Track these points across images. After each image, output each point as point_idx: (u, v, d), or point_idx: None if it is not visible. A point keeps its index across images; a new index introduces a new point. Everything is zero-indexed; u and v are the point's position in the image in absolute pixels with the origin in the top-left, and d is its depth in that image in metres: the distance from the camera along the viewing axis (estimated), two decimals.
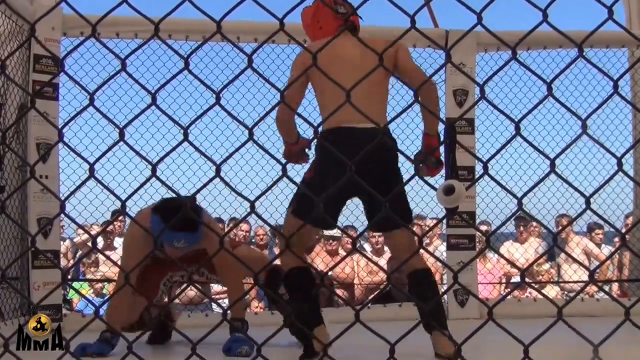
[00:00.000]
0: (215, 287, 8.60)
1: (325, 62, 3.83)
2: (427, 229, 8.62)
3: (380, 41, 4.43)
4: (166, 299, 5.46)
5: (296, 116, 4.83)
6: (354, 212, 7.28)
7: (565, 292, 9.03)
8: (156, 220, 4.71)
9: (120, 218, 8.35)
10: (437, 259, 6.11)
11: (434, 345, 4.51)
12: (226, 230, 7.09)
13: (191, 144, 1.67)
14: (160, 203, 4.90)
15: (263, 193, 1.73)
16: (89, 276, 9.11)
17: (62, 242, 8.14)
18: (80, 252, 9.59)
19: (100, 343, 4.60)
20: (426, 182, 1.60)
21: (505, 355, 1.52)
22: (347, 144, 4.21)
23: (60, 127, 5.85)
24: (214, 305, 8.21)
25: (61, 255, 7.86)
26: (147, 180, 1.78)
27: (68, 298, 8.33)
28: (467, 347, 1.58)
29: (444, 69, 6.71)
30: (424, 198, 7.12)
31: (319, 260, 8.83)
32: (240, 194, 1.79)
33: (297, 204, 4.74)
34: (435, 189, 5.59)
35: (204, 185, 1.80)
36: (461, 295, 6.76)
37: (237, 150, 1.79)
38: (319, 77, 4.50)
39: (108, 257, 6.30)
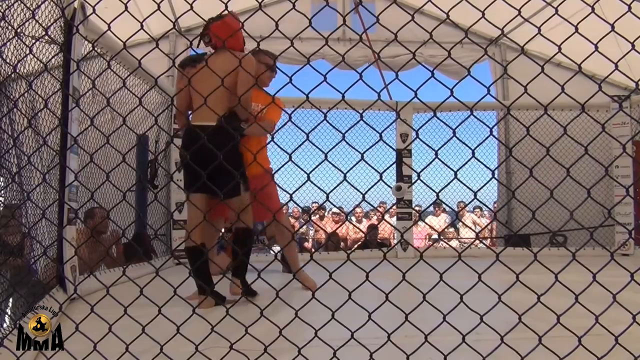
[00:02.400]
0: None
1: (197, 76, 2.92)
2: (387, 209, 8.62)
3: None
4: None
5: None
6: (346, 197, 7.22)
7: (462, 244, 9.00)
8: None
9: None
10: (392, 225, 6.06)
11: (230, 286, 3.62)
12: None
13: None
14: None
15: (372, 186, 1.67)
16: None
17: None
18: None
19: None
20: (386, 184, 1.56)
21: (428, 279, 1.48)
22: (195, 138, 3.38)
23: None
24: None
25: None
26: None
27: None
28: (407, 275, 1.55)
29: (395, 122, 6.72)
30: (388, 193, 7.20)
31: (329, 226, 8.87)
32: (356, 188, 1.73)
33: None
34: (391, 187, 5.53)
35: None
36: (404, 245, 6.72)
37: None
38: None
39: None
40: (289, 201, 1.61)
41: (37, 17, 2.61)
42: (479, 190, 1.58)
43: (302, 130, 1.71)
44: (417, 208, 7.64)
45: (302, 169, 1.71)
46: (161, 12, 1.60)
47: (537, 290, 1.51)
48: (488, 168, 1.61)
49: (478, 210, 9.59)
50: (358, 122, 1.63)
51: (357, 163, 1.60)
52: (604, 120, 1.74)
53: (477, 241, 7.17)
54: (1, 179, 2.54)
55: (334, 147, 1.64)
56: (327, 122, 1.68)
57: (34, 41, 2.71)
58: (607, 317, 1.54)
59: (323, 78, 1.58)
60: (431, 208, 9.29)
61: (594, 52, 1.46)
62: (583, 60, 1.53)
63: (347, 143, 1.63)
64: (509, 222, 7.97)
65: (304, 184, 1.62)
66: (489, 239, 8.80)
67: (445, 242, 8.24)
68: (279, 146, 1.80)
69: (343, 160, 6.52)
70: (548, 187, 1.59)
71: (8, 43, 2.48)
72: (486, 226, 8.94)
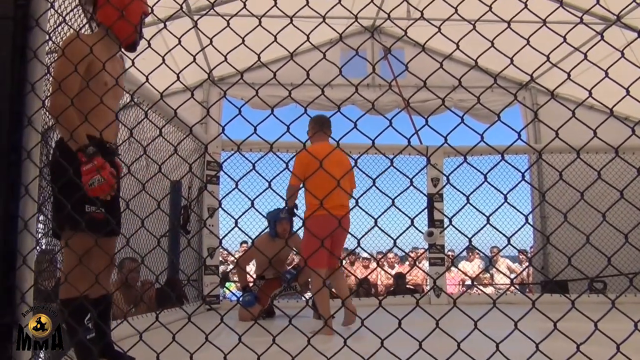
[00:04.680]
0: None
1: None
2: (419, 254, 8.52)
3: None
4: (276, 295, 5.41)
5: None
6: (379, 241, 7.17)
7: (497, 290, 8.77)
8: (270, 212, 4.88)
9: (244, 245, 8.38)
10: (424, 271, 5.99)
11: None
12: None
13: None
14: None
15: (404, 232, 1.69)
16: (234, 278, 9.07)
17: (220, 261, 8.16)
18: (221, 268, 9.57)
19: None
20: (416, 229, 1.55)
21: (463, 327, 1.45)
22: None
23: (219, 199, 5.93)
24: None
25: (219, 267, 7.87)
26: (263, 231, 1.78)
27: (223, 291, 8.31)
28: (441, 322, 1.52)
29: (426, 167, 6.71)
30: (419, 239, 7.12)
31: (359, 271, 8.78)
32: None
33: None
34: (422, 233, 5.48)
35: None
36: (437, 291, 6.60)
37: None
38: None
39: (245, 271, 6.26)
40: (393, 247, 1.60)
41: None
42: (512, 235, 1.56)
43: (333, 177, 1.72)
44: (449, 253, 7.53)
45: (332, 215, 1.71)
46: (197, 64, 1.66)
47: (576, 339, 1.46)
48: (521, 213, 1.59)
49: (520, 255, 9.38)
50: (388, 167, 1.64)
51: (387, 208, 1.59)
52: None
53: (513, 287, 6.99)
54: (41, 226, 2.60)
55: (364, 192, 1.65)
56: (358, 167, 1.69)
57: None
58: None
59: (353, 125, 1.60)
60: (464, 253, 9.14)
61: (624, 96, 1.45)
62: (614, 105, 1.52)
63: (378, 189, 1.64)
64: (545, 268, 7.76)
65: (335, 229, 1.62)
66: (525, 285, 8.57)
67: (479, 288, 8.06)
68: (311, 192, 1.82)
69: (374, 205, 6.49)
70: (584, 233, 1.56)
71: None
72: (521, 272, 8.72)
